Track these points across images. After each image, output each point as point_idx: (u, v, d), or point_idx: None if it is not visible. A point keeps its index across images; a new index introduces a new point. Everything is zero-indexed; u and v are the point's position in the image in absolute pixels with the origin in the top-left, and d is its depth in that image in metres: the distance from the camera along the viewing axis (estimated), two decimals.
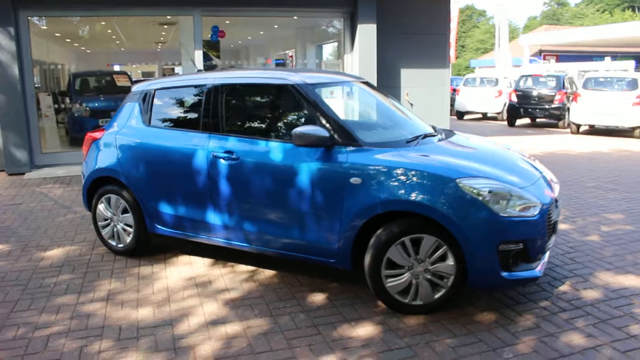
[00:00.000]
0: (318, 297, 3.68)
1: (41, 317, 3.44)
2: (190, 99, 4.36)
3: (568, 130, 14.03)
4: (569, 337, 3.10)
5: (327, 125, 3.56)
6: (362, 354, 2.94)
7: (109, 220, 4.57)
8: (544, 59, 37.09)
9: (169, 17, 10.92)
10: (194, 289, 3.85)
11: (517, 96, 15.22)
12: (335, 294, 3.72)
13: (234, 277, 4.05)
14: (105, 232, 4.61)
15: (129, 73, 12.26)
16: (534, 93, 14.95)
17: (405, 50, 10.42)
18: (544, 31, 42.91)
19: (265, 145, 3.77)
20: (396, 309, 3.42)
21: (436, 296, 3.36)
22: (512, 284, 3.38)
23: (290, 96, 3.87)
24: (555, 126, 14.65)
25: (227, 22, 10.84)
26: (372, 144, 3.54)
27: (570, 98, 14.47)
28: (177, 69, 19.17)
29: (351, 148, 3.49)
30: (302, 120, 3.79)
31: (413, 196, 3.24)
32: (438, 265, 3.30)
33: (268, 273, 4.12)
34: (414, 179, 3.28)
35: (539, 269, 3.38)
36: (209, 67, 9.13)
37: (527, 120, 16.51)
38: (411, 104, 10.72)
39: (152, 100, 4.43)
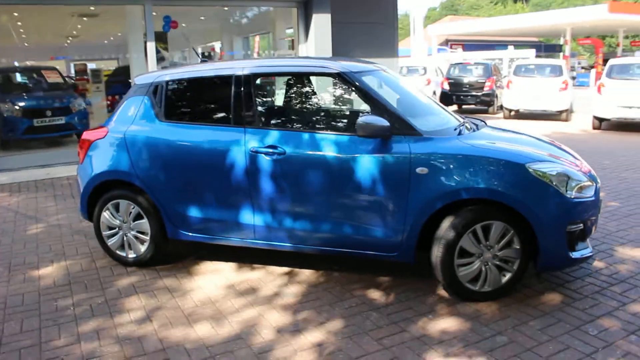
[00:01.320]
0: (377, 294, 3.55)
1: (83, 345, 3.00)
2: (214, 91, 4.00)
3: (499, 115, 14.83)
4: (634, 309, 3.24)
5: (385, 114, 3.42)
6: (462, 347, 2.87)
7: (117, 229, 4.10)
8: (451, 47, 39.03)
9: (92, 7, 10.08)
10: (241, 298, 3.55)
11: (449, 84, 15.84)
12: (392, 289, 3.61)
13: (274, 281, 3.80)
14: (112, 243, 4.14)
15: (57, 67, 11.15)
16: (465, 80, 15.64)
17: (356, 40, 10.38)
18: (449, 21, 45.25)
19: (317, 137, 3.54)
20: (465, 297, 3.38)
21: (503, 281, 3.37)
22: (575, 263, 3.46)
23: (335, 85, 3.68)
24: (486, 112, 15.45)
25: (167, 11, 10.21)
26: (429, 132, 3.45)
27: (498, 84, 15.31)
28: (90, 65, 17.94)
29: (411, 137, 3.38)
30: (350, 110, 3.62)
31: (486, 183, 3.21)
32: (505, 250, 3.30)
33: (307, 273, 3.91)
34: (484, 166, 3.25)
35: (590, 247, 3.50)
36: (160, 59, 8.52)
37: (455, 107, 17.25)
38: None
39: (166, 93, 4.01)
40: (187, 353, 2.89)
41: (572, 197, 3.24)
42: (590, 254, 3.46)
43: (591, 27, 32.71)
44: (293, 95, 4.11)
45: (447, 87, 15.86)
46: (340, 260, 4.03)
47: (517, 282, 3.41)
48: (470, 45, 39.89)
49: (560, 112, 13.25)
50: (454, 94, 15.74)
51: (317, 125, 3.71)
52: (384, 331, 3.06)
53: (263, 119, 3.69)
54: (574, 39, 36.56)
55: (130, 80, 9.07)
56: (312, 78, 3.82)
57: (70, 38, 16.73)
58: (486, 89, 15.21)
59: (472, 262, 3.31)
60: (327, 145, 3.50)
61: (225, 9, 11.84)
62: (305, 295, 3.55)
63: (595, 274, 3.79)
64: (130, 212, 4.02)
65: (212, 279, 3.87)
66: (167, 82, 4.02)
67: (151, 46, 8.12)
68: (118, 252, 4.15)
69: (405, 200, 3.34)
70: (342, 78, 3.61)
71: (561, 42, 40.46)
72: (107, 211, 4.09)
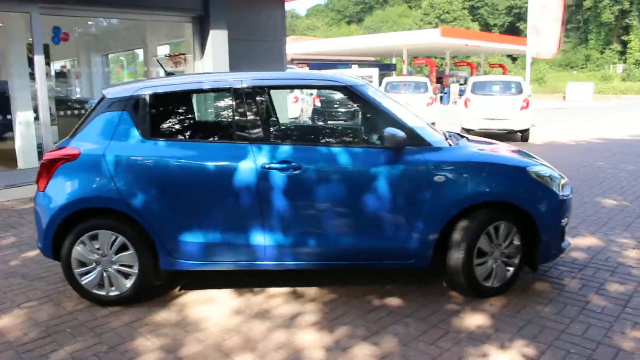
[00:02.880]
0: (396, 302, 3.62)
1: None
2: (208, 105, 3.72)
3: None
4: (612, 287, 3.79)
5: (397, 126, 3.53)
6: (509, 337, 3.08)
7: (94, 265, 3.57)
8: (297, 66, 40.56)
9: None
10: (262, 323, 3.34)
11: (321, 101, 16.48)
12: (404, 296, 3.70)
13: (284, 302, 3.65)
14: (87, 281, 3.57)
15: None
16: (336, 97, 16.41)
17: (248, 56, 10.32)
18: (292, 41, 46.96)
19: (332, 151, 3.51)
20: (480, 295, 3.62)
21: (508, 276, 3.69)
22: (563, 252, 3.90)
23: (343, 98, 3.68)
24: None
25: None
26: (434, 142, 3.64)
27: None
28: None
29: (422, 148, 3.54)
30: (362, 122, 3.66)
31: (499, 187, 3.50)
32: (510, 247, 3.63)
33: (313, 290, 3.82)
34: (494, 171, 3.55)
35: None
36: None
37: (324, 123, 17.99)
38: None
39: (151, 108, 3.62)
40: None
41: (562, 194, 3.69)
42: (569, 243, 3.96)
43: (424, 48, 36.62)
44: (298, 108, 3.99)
45: (318, 104, 16.47)
46: (335, 274, 4.01)
47: (517, 276, 3.76)
48: (314, 64, 41.88)
49: (522, 131, 12.15)
50: (326, 111, 16.40)
51: (329, 139, 3.67)
52: (432, 335, 3.15)
53: (272, 133, 3.54)
54: (409, 59, 40.48)
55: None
56: (324, 91, 3.76)
57: None
58: None
59: (487, 261, 3.58)
60: (344, 158, 3.50)
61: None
62: (328, 313, 3.47)
63: (561, 262, 4.31)
64: (113, 244, 3.53)
65: (215, 308, 3.57)
66: (150, 96, 3.63)
67: (39, 59, 7.13)
68: (95, 290, 3.59)
69: (425, 208, 3.48)
70: (350, 91, 3.64)
71: (393, 61, 44.74)
72: (80, 245, 3.53)
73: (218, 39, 9.20)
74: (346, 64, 38.94)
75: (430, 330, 3.21)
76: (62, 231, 3.54)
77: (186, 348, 3.05)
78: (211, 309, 3.55)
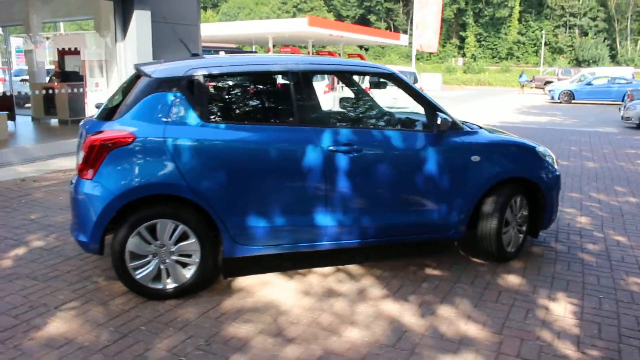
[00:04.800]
0: (438, 271, 3.99)
1: None
2: (265, 88, 3.66)
3: None
4: (586, 258, 4.61)
5: (437, 111, 3.87)
6: (554, 292, 3.64)
7: (150, 257, 3.37)
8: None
9: None
10: (339, 299, 3.47)
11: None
12: (438, 268, 4.08)
13: (340, 279, 3.80)
14: (142, 275, 3.37)
15: None
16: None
17: (165, 39, 9.84)
18: None
19: (386, 134, 3.75)
20: (503, 259, 4.15)
21: (519, 242, 4.28)
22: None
23: (385, 85, 3.91)
24: None
25: None
26: (466, 126, 4.07)
27: None
28: None
29: (457, 132, 3.94)
30: (401, 109, 3.92)
31: (520, 164, 4.06)
32: (521, 217, 4.22)
33: (353, 268, 4.02)
34: (515, 151, 4.09)
35: None
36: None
37: None
38: None
39: (207, 89, 3.48)
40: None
41: (557, 170, 4.37)
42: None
43: (290, 37, 37.23)
44: (354, 93, 4.10)
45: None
46: (361, 252, 4.26)
47: (525, 242, 4.37)
48: None
49: None
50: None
51: (380, 123, 3.88)
52: (490, 295, 3.58)
53: (330, 118, 3.65)
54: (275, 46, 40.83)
55: None
56: (372, 77, 3.93)
57: None
58: None
59: (509, 230, 4.12)
60: (397, 140, 3.77)
61: None
62: (387, 286, 3.72)
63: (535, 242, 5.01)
64: (173, 233, 3.37)
65: (278, 291, 3.61)
66: (205, 77, 3.49)
67: None
68: (150, 285, 3.40)
69: (464, 184, 3.90)
70: (395, 78, 3.89)
71: (253, 48, 44.74)
72: (136, 236, 3.31)
73: (142, 20, 8.68)
74: (207, 50, 38.04)
75: (485, 291, 3.65)
76: (111, 223, 3.29)
77: (287, 330, 3.09)
78: (276, 292, 3.58)
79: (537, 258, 4.31)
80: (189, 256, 3.44)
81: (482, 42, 73.76)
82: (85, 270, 3.93)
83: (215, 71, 3.56)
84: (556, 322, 3.23)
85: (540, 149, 4.29)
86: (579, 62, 60.72)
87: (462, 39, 66.87)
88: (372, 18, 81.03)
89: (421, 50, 16.81)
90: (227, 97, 3.66)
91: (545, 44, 63.50)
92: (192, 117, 3.41)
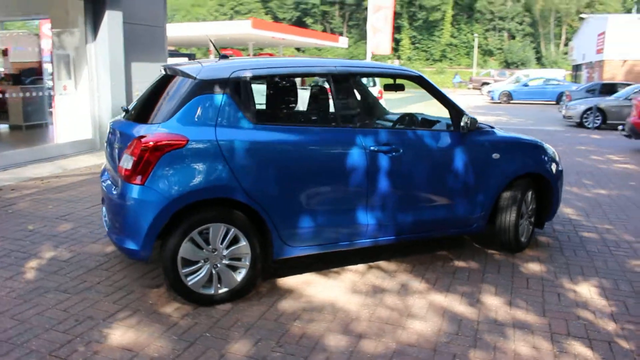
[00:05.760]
0: (463, 263, 4.21)
1: None
2: (309, 89, 3.73)
3: None
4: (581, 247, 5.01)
5: (461, 113, 4.10)
6: (574, 277, 3.95)
7: (201, 262, 3.37)
8: None
9: None
10: (388, 295, 3.60)
11: None
12: (463, 256, 4.33)
13: (378, 276, 3.93)
14: (194, 281, 3.35)
15: None
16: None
17: (138, 40, 9.60)
18: None
19: (419, 134, 3.94)
20: (518, 249, 4.44)
21: (530, 232, 4.59)
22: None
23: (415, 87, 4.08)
24: None
25: None
26: (484, 126, 4.32)
27: None
28: None
29: (480, 131, 4.19)
30: (426, 110, 4.11)
31: (533, 161, 4.37)
32: (531, 209, 4.54)
33: (384, 264, 4.17)
34: (528, 149, 4.40)
35: None
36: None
37: None
38: None
39: (252, 91, 3.51)
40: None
41: (561, 166, 4.72)
42: None
43: (231, 39, 36.80)
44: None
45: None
46: (385, 249, 4.42)
47: (533, 232, 4.69)
48: None
49: None
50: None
51: (412, 124, 4.04)
52: (519, 282, 3.85)
53: (368, 119, 3.78)
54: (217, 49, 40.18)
55: None
56: (402, 79, 4.07)
57: None
58: None
59: (523, 222, 4.41)
60: (430, 140, 3.97)
61: None
62: (425, 280, 3.89)
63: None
64: (225, 237, 3.38)
65: (324, 289, 3.70)
66: (251, 78, 3.52)
67: None
68: (204, 291, 3.39)
69: (487, 180, 4.15)
70: (421, 80, 4.09)
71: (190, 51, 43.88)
72: (189, 242, 3.30)
73: (114, 21, 8.42)
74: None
75: (514, 279, 3.91)
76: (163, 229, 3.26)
77: (352, 326, 3.18)
78: (323, 291, 3.66)
79: (545, 247, 4.65)
80: (239, 259, 3.46)
81: (417, 45, 76.21)
82: (116, 280, 3.84)
83: (260, 72, 3.61)
84: (588, 303, 3.53)
85: (546, 145, 4.63)
86: (508, 64, 64.13)
87: (397, 42, 68.88)
88: (309, 20, 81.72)
89: (375, 53, 17.17)
90: (273, 98, 3.70)
91: (477, 47, 66.54)
92: (242, 119, 3.43)
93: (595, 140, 12.49)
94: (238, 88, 3.45)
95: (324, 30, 73.20)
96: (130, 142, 3.32)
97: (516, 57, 65.12)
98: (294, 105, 3.87)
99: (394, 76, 4.25)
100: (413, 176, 3.90)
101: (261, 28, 31.85)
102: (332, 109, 3.72)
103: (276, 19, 78.88)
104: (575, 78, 32.79)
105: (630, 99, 14.24)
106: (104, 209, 4.14)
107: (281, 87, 3.82)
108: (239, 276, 3.47)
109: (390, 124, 4.46)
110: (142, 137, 3.26)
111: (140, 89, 9.81)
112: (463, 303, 3.50)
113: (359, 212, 3.74)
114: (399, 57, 65.43)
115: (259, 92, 3.91)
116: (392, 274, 3.98)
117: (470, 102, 26.94)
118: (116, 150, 3.69)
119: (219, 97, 3.39)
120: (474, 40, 66.76)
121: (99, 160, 8.20)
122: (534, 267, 4.15)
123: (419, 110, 5.40)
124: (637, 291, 3.73)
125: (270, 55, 46.12)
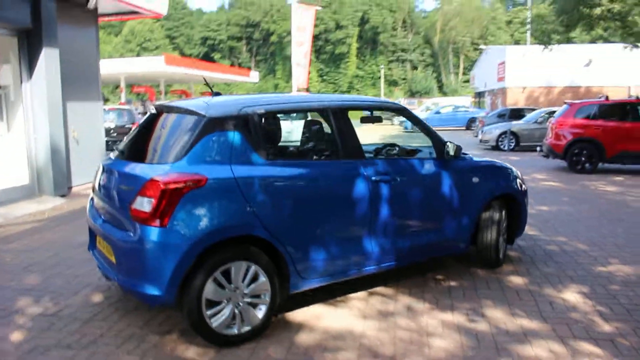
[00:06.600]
0: (452, 282, 4.47)
1: None
2: (305, 124, 3.85)
3: None
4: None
5: (440, 141, 4.42)
6: (558, 286, 4.34)
7: (224, 302, 3.33)
8: None
9: None
10: (399, 318, 3.74)
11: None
12: (451, 275, 4.59)
13: (381, 301, 4.07)
14: (219, 322, 3.29)
15: None
16: (112, 125, 15.34)
17: (67, 79, 9.20)
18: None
19: (409, 163, 4.20)
20: (497, 265, 4.78)
21: (505, 248, 4.97)
22: None
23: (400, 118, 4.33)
24: None
25: None
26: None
27: None
28: None
29: (458, 158, 4.51)
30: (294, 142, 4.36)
31: (506, 183, 4.77)
32: (504, 227, 4.93)
33: (381, 290, 4.32)
34: (501, 172, 4.81)
35: None
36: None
37: None
38: (77, 141, 9.61)
39: (262, 128, 3.57)
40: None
41: (524, 186, 5.19)
42: None
43: (142, 76, 35.82)
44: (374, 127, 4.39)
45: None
46: (375, 277, 4.53)
47: (506, 249, 5.07)
48: None
49: None
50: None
51: (400, 154, 4.28)
52: (511, 296, 4.15)
53: (364, 150, 3.98)
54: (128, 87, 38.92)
55: None
56: (389, 111, 4.28)
57: None
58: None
59: (500, 239, 4.78)
60: (420, 168, 4.25)
61: None
62: (424, 301, 4.08)
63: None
64: (246, 275, 3.38)
65: (336, 319, 3.76)
66: (260, 115, 3.58)
67: None
68: (226, 331, 3.34)
69: (470, 203, 4.48)
70: (404, 112, 4.37)
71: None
72: (211, 283, 3.26)
73: (51, 58, 8.06)
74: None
75: (505, 293, 4.21)
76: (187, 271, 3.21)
77: (381, 350, 3.28)
78: (336, 321, 3.73)
79: (518, 261, 5.04)
80: (259, 296, 3.45)
81: (325, 77, 78.81)
82: (121, 329, 3.66)
83: (267, 109, 3.68)
84: (577, 307, 3.91)
85: (513, 168, 5.08)
86: (412, 94, 68.00)
87: None
88: (217, 56, 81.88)
89: (299, 88, 17.64)
90: (279, 134, 3.79)
91: (383, 78, 70.02)
92: (255, 155, 3.47)
93: (515, 161, 13.60)
94: (247, 124, 3.50)
95: (232, 65, 73.45)
96: (143, 183, 3.24)
97: (420, 87, 69.32)
98: (299, 139, 4.00)
99: (381, 108, 4.52)
100: (409, 202, 4.13)
101: (174, 64, 31.44)
102: (335, 142, 3.88)
103: (183, 54, 78.15)
104: (479, 104, 35.63)
105: (540, 122, 15.75)
106: (96, 252, 3.98)
107: (287, 121, 3.93)
108: (260, 313, 3.45)
109: (381, 154, 4.69)
110: (157, 178, 3.20)
111: (75, 129, 9.40)
112: (471, 318, 3.73)
113: (365, 240, 3.89)
114: (307, 90, 67.14)
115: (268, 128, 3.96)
116: (394, 298, 4.14)
117: (384, 132, 28.07)
118: (115, 192, 3.59)
119: (231, 134, 3.42)
120: (379, 71, 70.24)
121: (41, 206, 7.68)
122: (517, 280, 4.50)
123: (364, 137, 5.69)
124: (612, 294, 4.18)
125: (183, 92, 45.39)
